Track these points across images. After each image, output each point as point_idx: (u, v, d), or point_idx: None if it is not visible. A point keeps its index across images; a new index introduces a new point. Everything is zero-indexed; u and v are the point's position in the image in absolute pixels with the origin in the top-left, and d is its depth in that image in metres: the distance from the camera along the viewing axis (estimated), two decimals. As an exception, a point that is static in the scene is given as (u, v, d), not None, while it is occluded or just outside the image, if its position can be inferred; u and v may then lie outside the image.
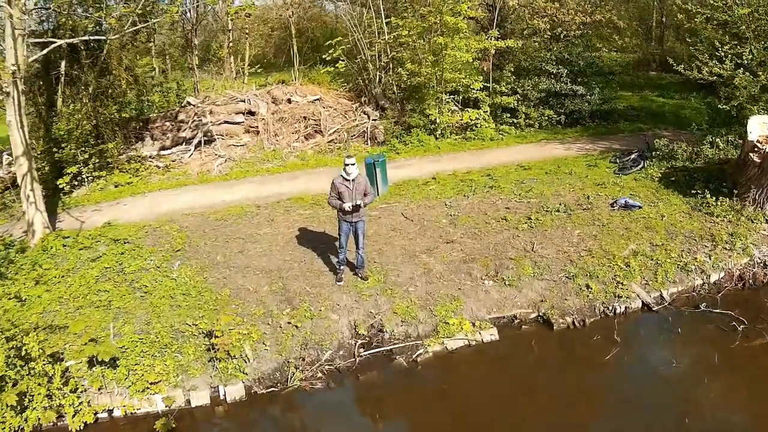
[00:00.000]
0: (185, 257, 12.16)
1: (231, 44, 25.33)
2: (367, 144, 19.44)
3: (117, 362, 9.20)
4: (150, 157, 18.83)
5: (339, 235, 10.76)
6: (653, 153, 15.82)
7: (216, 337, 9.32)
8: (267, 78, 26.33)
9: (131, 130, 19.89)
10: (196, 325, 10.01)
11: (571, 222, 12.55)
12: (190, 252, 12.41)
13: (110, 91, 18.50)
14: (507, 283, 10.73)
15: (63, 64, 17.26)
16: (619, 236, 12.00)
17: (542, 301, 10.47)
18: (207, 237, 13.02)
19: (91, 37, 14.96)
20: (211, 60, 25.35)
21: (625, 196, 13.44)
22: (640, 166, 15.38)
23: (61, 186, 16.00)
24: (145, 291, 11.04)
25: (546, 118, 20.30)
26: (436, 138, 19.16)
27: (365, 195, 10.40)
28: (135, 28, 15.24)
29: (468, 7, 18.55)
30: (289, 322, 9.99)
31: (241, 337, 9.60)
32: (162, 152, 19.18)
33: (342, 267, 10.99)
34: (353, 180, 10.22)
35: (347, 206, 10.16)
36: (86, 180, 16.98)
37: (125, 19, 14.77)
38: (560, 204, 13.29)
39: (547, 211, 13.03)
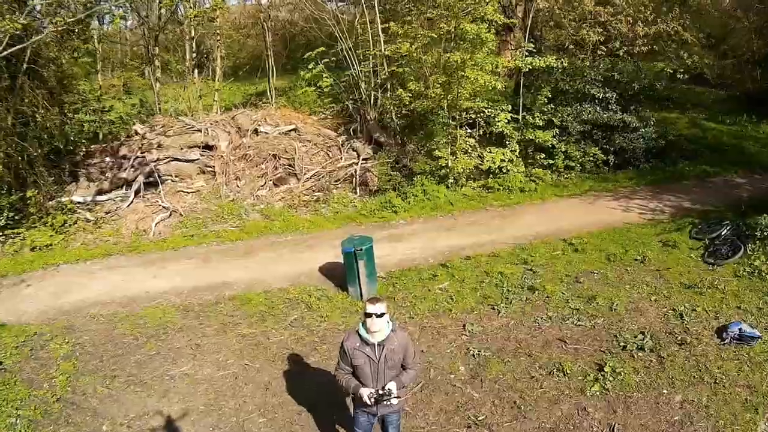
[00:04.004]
0: (60, 421, 7.68)
1: (194, 55, 20.57)
2: (356, 193, 14.75)
3: None
4: (83, 203, 14.38)
5: (354, 430, 5.98)
6: (752, 230, 11.14)
7: None
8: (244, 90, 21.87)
9: (63, 169, 15.40)
10: None
11: (665, 374, 7.83)
12: (70, 407, 7.93)
13: (33, 122, 14.04)
14: None
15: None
16: (741, 404, 7.28)
17: None
18: (101, 373, 8.60)
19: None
20: (170, 74, 20.64)
21: (737, 321, 8.75)
22: (740, 252, 10.68)
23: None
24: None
25: (590, 158, 15.55)
26: (448, 187, 14.43)
27: (405, 369, 5.69)
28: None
29: (494, 10, 13.69)
30: None
31: None
32: (98, 197, 14.63)
33: None
34: (380, 344, 5.51)
35: (367, 396, 5.48)
36: (-2, 240, 12.88)
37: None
38: (642, 332, 8.60)
39: (624, 347, 8.33)
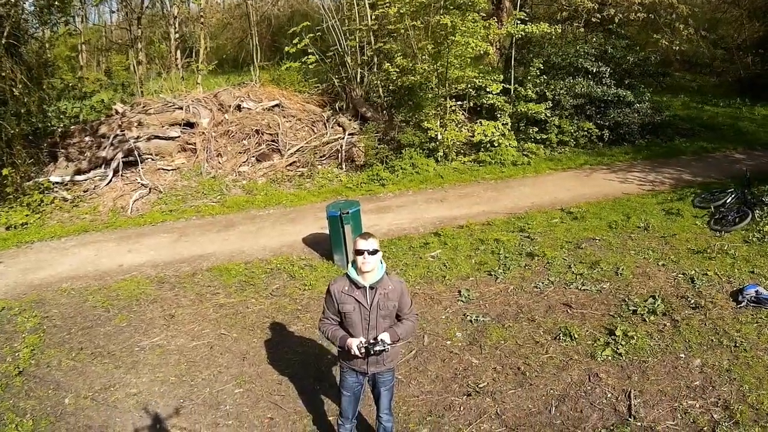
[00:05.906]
0: (21, 394, 6.98)
1: (178, 36, 19.76)
2: (342, 168, 14.06)
3: None
4: (61, 183, 13.70)
5: (341, 393, 5.13)
6: (758, 197, 10.65)
7: None
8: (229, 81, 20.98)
9: (42, 148, 14.72)
10: None
11: (682, 338, 7.20)
12: (32, 380, 7.25)
13: (12, 100, 13.34)
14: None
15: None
16: (765, 368, 6.64)
17: None
18: (67, 346, 7.91)
19: None
20: (152, 58, 19.86)
21: (753, 284, 8.16)
22: (748, 218, 10.13)
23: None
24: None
25: (584, 133, 14.98)
26: (437, 161, 13.78)
27: (400, 320, 4.93)
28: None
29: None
30: None
31: None
32: (77, 177, 13.88)
33: None
34: (372, 287, 4.74)
35: (356, 347, 4.68)
36: (-27, 220, 12.25)
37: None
38: (653, 297, 7.97)
39: (634, 311, 7.70)
